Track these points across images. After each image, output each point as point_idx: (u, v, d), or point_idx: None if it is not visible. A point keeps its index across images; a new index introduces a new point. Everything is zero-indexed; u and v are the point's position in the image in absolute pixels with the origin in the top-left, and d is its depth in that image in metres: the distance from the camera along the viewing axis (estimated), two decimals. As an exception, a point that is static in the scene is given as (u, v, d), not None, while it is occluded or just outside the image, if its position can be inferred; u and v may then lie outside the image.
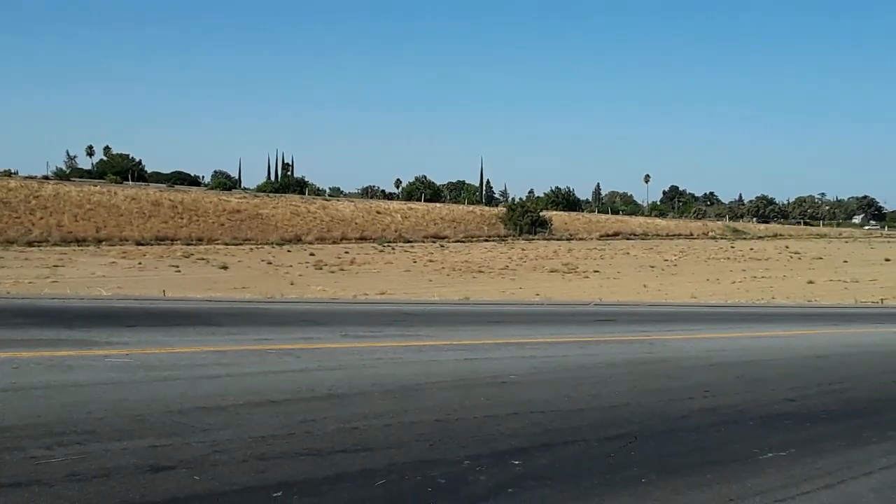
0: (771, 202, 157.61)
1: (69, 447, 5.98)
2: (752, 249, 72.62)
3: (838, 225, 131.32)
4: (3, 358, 9.08)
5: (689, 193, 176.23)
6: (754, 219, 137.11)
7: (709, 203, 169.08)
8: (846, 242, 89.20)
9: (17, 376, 8.22)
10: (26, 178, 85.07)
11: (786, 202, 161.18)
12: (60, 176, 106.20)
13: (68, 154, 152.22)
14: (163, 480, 5.47)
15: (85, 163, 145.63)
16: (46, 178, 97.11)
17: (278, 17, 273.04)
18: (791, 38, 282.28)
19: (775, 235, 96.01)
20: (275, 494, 5.36)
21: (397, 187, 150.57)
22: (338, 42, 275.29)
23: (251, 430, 6.78)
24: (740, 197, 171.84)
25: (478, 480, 5.99)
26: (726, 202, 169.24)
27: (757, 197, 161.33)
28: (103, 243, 47.30)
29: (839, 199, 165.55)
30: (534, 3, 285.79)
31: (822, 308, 30.31)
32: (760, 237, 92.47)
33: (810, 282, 44.72)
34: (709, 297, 34.02)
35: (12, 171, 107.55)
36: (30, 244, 43.55)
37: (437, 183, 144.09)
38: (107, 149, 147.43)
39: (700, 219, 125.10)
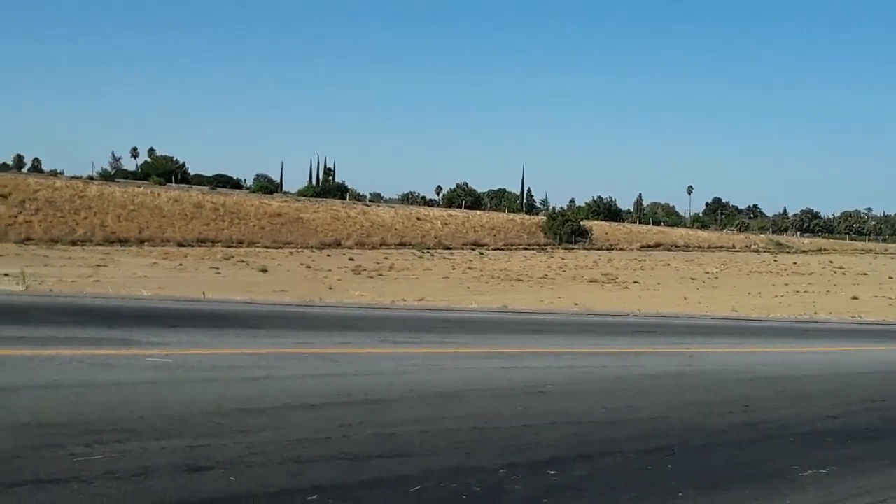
0: (816, 216, 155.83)
1: (108, 445, 6.03)
2: (795, 263, 71.73)
3: (885, 240, 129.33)
4: (45, 356, 9.19)
5: (733, 206, 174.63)
6: (798, 233, 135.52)
7: (752, 216, 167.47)
8: (892, 258, 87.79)
9: (59, 374, 8.32)
10: (72, 178, 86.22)
11: (831, 216, 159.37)
12: (105, 177, 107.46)
13: (113, 155, 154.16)
14: (200, 481, 5.50)
15: (129, 164, 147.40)
16: (91, 178, 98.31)
17: (325, 22, 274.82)
18: (838, 51, 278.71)
19: (819, 250, 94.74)
20: (310, 498, 5.36)
21: (438, 194, 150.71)
22: (381, 48, 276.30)
23: (288, 433, 6.79)
24: (784, 210, 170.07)
25: (513, 489, 5.95)
26: (770, 215, 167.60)
27: (802, 210, 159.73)
28: (145, 244, 47.79)
29: (886, 214, 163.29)
30: (574, 11, 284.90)
31: (866, 324, 29.86)
32: (804, 251, 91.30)
33: (854, 297, 44.02)
34: (750, 310, 33.61)
35: (58, 171, 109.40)
36: (73, 243, 44.09)
37: (478, 190, 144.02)
38: (151, 150, 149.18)
39: (743, 231, 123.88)
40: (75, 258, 37.44)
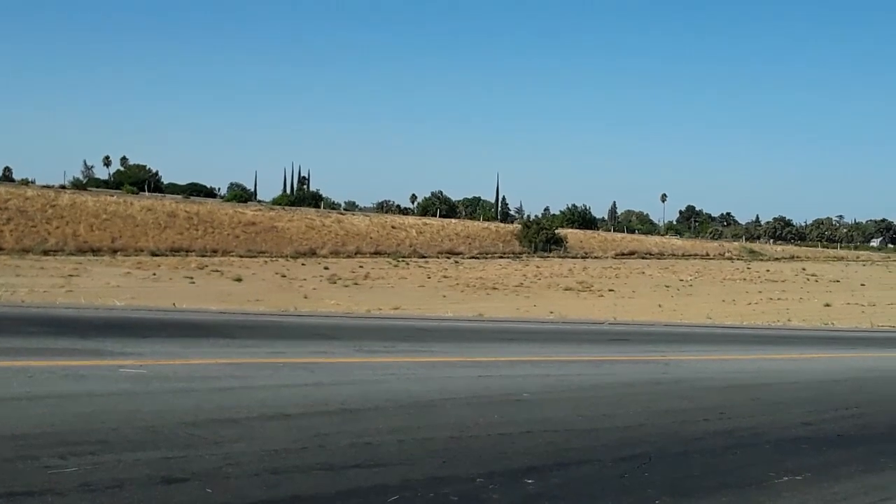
0: (788, 224, 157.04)
1: (82, 457, 5.98)
2: (768, 271, 72.19)
3: (856, 248, 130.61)
4: (17, 367, 9.10)
5: (706, 213, 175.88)
6: (771, 240, 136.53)
7: (725, 224, 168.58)
8: (864, 265, 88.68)
9: (32, 385, 8.24)
10: (43, 187, 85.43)
11: (803, 224, 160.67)
12: (77, 185, 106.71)
13: (85, 164, 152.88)
14: (176, 492, 5.46)
15: (102, 173, 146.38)
16: (63, 187, 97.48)
17: (296, 30, 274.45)
18: (809, 59, 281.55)
19: (792, 257, 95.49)
20: (287, 509, 5.34)
21: (413, 202, 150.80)
22: (355, 56, 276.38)
23: (264, 444, 6.76)
24: (757, 218, 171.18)
25: (491, 499, 5.95)
26: (743, 223, 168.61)
27: (774, 218, 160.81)
28: (118, 253, 47.41)
29: (857, 221, 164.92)
30: (549, 20, 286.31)
31: (839, 331, 30.11)
32: (777, 259, 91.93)
33: (827, 304, 44.35)
34: (724, 318, 33.82)
35: (29, 179, 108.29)
36: (45, 253, 43.67)
37: (453, 198, 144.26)
38: (124, 159, 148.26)
39: (716, 239, 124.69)
40: (47, 268, 37.08)
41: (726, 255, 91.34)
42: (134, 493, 5.33)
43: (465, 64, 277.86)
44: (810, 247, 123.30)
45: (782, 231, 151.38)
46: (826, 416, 11.08)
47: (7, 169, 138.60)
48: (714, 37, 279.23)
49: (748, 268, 75.38)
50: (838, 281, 65.05)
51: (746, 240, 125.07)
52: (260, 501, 5.45)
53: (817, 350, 21.01)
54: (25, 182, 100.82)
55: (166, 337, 13.13)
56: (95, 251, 47.06)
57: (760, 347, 20.79)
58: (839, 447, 8.99)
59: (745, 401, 11.54)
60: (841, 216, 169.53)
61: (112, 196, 72.52)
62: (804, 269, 75.18)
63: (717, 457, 7.93)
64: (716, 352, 18.58)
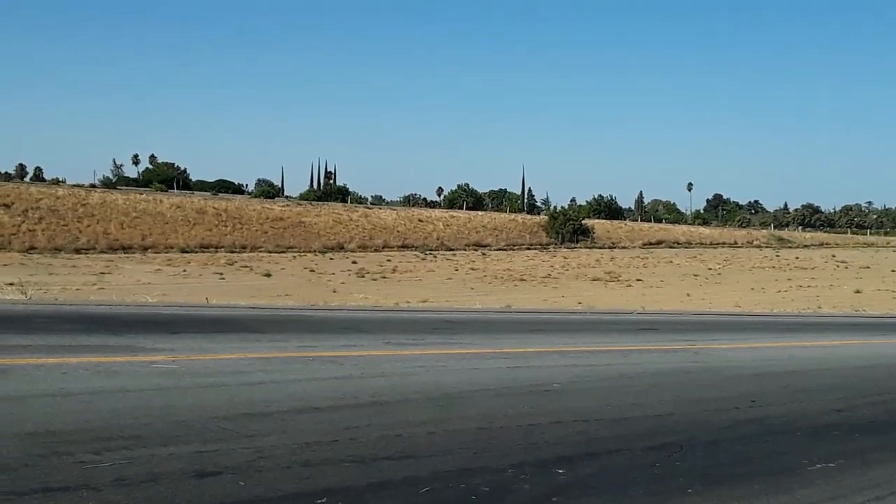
0: (817, 211, 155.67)
1: (116, 452, 6.04)
2: (797, 258, 71.66)
3: (886, 234, 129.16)
4: (51, 363, 9.20)
5: (733, 202, 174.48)
6: (800, 227, 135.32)
7: (753, 211, 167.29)
8: (894, 251, 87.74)
9: (66, 382, 8.33)
10: (74, 186, 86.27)
11: (832, 211, 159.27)
12: (107, 184, 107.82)
13: (115, 163, 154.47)
14: (209, 486, 5.50)
15: (131, 171, 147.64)
16: (93, 186, 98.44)
17: (322, 24, 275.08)
18: (837, 45, 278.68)
19: (821, 244, 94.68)
20: (319, 501, 5.37)
21: (439, 195, 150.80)
22: (380, 50, 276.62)
23: (296, 437, 6.81)
24: (785, 205, 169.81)
25: (521, 489, 5.96)
26: (771, 210, 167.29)
27: (802, 205, 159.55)
28: (149, 251, 47.89)
29: (887, 207, 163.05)
30: (576, 9, 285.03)
31: (870, 318, 29.86)
32: (806, 246, 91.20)
33: (857, 291, 44.03)
34: (754, 306, 33.64)
35: (60, 179, 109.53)
36: (77, 251, 44.20)
37: (479, 191, 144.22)
38: (152, 157, 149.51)
39: (744, 227, 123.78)
40: (79, 266, 37.52)
41: (755, 243, 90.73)
42: (168, 487, 5.38)
43: (489, 55, 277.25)
44: (839, 233, 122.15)
45: (811, 218, 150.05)
46: (858, 402, 11.00)
47: (38, 169, 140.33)
48: (736, 23, 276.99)
49: (777, 255, 74.82)
50: (868, 267, 64.46)
51: (775, 227, 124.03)
52: (292, 494, 5.49)
53: (848, 337, 20.85)
54: (56, 182, 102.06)
55: (197, 332, 13.22)
56: (126, 249, 47.54)
57: (791, 335, 20.65)
58: (872, 434, 8.92)
59: (776, 388, 11.47)
60: (870, 202, 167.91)
61: (141, 194, 73.15)
62: (834, 256, 74.51)
63: (748, 445, 7.89)
64: (746, 340, 18.47)
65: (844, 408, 10.36)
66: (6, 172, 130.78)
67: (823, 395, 11.28)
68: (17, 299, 17.89)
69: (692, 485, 6.36)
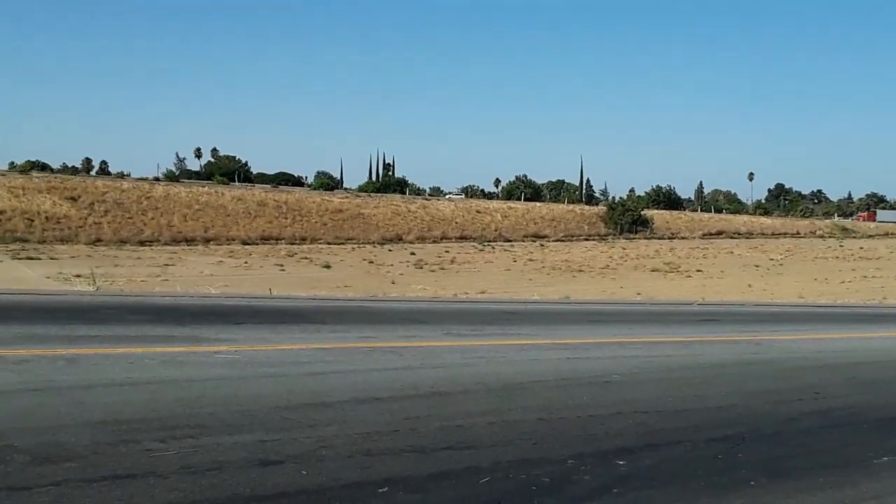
0: (882, 200, 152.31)
1: (182, 440, 6.16)
2: (861, 248, 70.15)
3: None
4: (119, 353, 9.40)
5: (796, 191, 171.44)
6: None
7: (816, 201, 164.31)
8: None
9: (132, 371, 8.50)
10: (138, 179, 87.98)
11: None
12: (170, 177, 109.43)
13: (178, 156, 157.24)
14: (272, 474, 5.59)
15: (193, 164, 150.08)
16: (157, 179, 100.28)
17: (381, 19, 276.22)
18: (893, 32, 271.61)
19: (887, 234, 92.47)
20: (381, 490, 5.42)
21: (497, 187, 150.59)
22: (439, 43, 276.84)
23: (356, 427, 6.87)
24: (849, 195, 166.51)
25: (582, 480, 5.95)
26: (834, 200, 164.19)
27: (867, 194, 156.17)
28: (211, 243, 48.51)
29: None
30: (633, 5, 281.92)
31: (939, 309, 29.13)
32: (871, 236, 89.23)
33: (926, 281, 42.96)
34: (817, 297, 33.03)
35: (125, 173, 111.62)
36: (141, 244, 44.95)
37: (537, 182, 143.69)
38: (214, 151, 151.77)
39: (807, 217, 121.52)
40: (144, 258, 38.13)
41: (817, 233, 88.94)
42: (232, 475, 5.48)
43: (546, 49, 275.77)
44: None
45: (876, 207, 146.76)
46: (927, 395, 10.77)
47: (104, 163, 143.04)
48: (799, 13, 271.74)
49: (840, 245, 73.33)
50: (937, 257, 62.86)
51: (838, 217, 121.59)
52: (354, 483, 5.55)
53: (916, 328, 20.40)
54: (121, 175, 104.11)
55: (258, 323, 13.39)
56: (189, 241, 48.23)
57: (855, 326, 20.27)
58: (941, 427, 8.74)
59: (840, 380, 11.29)
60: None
61: (204, 187, 74.08)
62: (901, 246, 72.82)
63: (812, 437, 7.79)
64: (808, 331, 18.18)
65: (912, 400, 10.16)
66: (73, 167, 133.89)
67: (889, 387, 11.08)
68: (84, 290, 18.29)
69: (755, 477, 6.29)
